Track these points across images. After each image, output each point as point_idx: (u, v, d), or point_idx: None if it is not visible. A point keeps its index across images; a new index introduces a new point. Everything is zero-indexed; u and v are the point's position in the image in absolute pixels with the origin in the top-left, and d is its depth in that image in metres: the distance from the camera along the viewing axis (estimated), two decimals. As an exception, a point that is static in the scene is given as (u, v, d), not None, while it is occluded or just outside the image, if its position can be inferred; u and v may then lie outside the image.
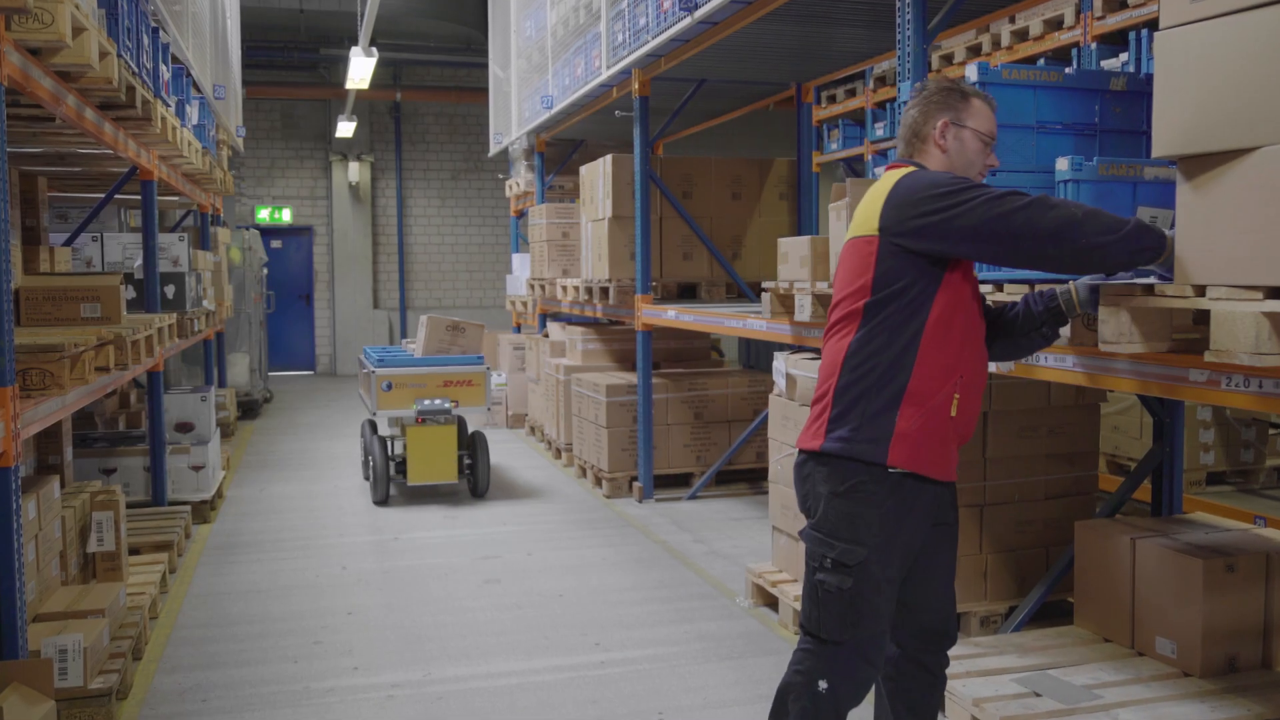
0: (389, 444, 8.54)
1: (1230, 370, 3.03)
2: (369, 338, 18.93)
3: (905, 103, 4.35)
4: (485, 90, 14.36)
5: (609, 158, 8.73)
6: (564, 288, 10.10)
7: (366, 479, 8.75)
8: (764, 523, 7.37)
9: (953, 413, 3.01)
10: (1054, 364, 3.75)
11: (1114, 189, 3.61)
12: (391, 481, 8.39)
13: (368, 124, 18.83)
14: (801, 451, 3.14)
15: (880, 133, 10.66)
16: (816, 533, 3.03)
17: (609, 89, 8.80)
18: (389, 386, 8.06)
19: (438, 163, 19.52)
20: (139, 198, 7.14)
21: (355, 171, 18.80)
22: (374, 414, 8.24)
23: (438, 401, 8.11)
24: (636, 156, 8.17)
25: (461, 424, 8.50)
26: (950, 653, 3.22)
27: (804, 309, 5.25)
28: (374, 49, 12.21)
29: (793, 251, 5.43)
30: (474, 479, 8.43)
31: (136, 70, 5.25)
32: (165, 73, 6.36)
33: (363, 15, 11.67)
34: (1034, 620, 4.85)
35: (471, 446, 8.45)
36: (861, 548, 2.96)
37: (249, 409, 13.38)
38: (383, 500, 8.25)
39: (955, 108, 3.12)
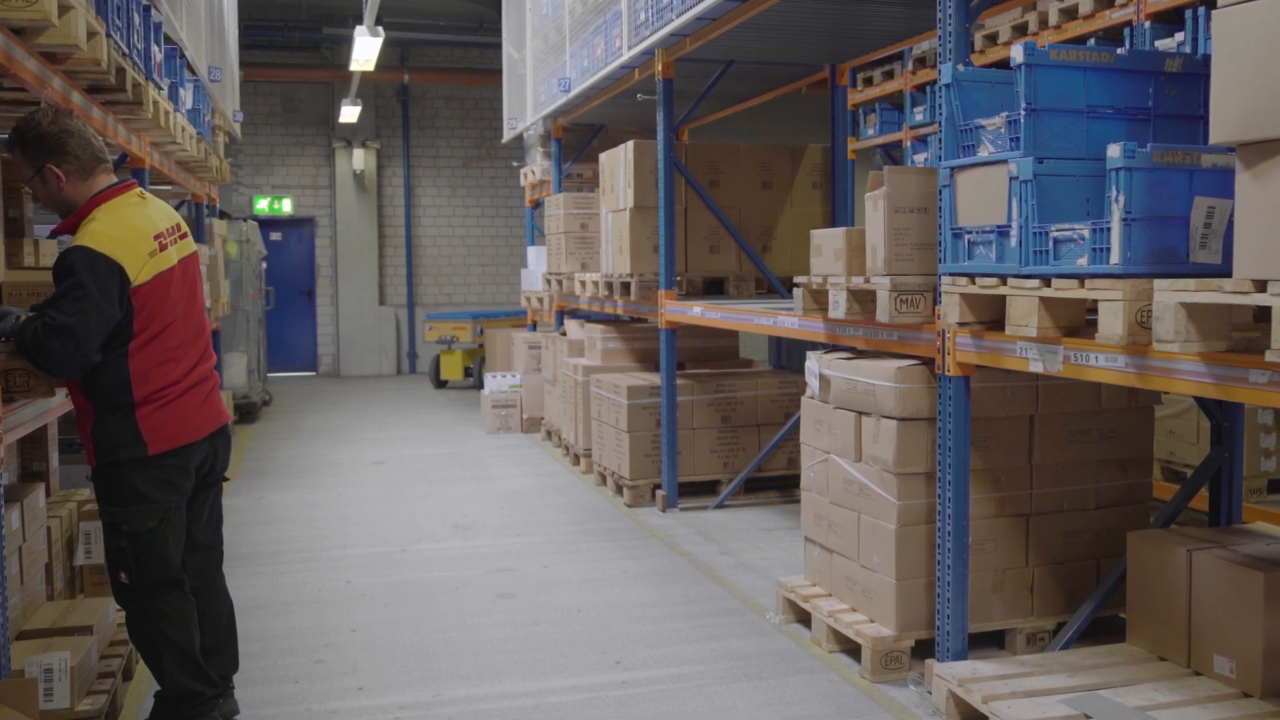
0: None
1: (1294, 371, 3.02)
2: (374, 336, 19.02)
3: (946, 85, 4.37)
4: (498, 72, 14.41)
5: (631, 144, 8.74)
6: (582, 283, 10.13)
7: None
8: (795, 533, 7.37)
9: None
10: (1105, 364, 3.74)
11: (1169, 177, 3.60)
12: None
13: (373, 108, 18.91)
14: None
15: (919, 117, 10.62)
16: None
17: (631, 71, 8.82)
18: None
19: (448, 149, 19.59)
20: (130, 187, 7.18)
21: (360, 159, 18.88)
22: None
23: None
24: (660, 143, 8.18)
25: None
26: (995, 671, 3.25)
27: (839, 305, 5.24)
28: (380, 28, 12.30)
29: (826, 244, 5.43)
30: None
31: (127, 51, 5.29)
32: (157, 54, 6.40)
33: (367, -8, 11.74)
34: (1084, 637, 4.84)
35: None
36: None
37: (247, 412, 13.46)
38: None
39: None
